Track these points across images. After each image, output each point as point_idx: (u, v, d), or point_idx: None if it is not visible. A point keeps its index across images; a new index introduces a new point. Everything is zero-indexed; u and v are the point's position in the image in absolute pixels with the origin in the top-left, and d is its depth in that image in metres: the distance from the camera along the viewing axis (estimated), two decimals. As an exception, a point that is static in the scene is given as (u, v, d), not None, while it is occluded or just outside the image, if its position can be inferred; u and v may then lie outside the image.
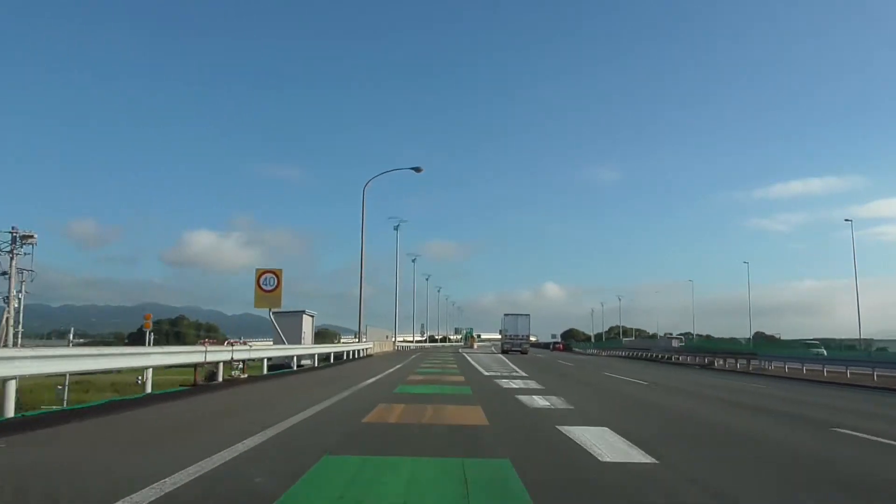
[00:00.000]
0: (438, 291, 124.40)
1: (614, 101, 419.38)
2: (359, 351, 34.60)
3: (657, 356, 48.06)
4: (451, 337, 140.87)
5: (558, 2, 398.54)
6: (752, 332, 73.18)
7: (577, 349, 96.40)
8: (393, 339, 57.10)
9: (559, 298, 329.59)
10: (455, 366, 26.27)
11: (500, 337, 63.87)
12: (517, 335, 57.52)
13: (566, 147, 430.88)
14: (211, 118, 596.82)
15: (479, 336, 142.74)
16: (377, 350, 42.76)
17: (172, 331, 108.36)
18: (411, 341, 72.78)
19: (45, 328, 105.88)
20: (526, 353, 52.06)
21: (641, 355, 51.85)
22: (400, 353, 46.89)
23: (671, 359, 44.32)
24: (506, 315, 60.63)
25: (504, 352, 54.10)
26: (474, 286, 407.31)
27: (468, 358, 37.07)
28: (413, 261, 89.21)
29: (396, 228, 69.83)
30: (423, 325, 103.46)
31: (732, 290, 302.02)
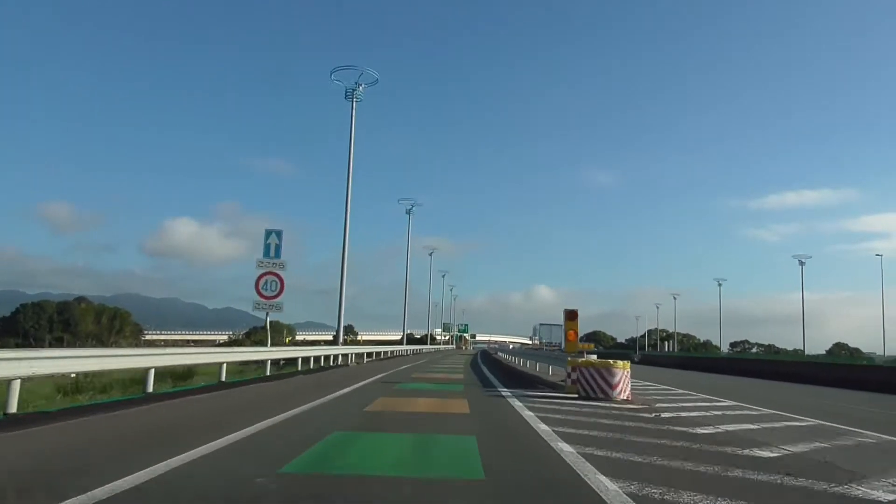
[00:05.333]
0: (451, 290, 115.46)
1: (613, 108, 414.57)
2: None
3: None
4: (438, 336, 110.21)
5: (563, 9, 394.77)
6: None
7: None
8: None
9: (550, 301, 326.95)
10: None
11: (491, 339, 67.40)
12: (551, 342, 63.43)
13: (563, 151, 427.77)
14: (201, 111, 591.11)
15: (473, 336, 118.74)
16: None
17: (59, 319, 73.34)
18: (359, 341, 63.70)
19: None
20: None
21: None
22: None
23: None
24: (541, 325, 68.68)
25: None
26: (466, 285, 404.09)
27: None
28: (430, 254, 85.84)
29: (409, 212, 67.03)
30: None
31: (724, 297, 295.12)
